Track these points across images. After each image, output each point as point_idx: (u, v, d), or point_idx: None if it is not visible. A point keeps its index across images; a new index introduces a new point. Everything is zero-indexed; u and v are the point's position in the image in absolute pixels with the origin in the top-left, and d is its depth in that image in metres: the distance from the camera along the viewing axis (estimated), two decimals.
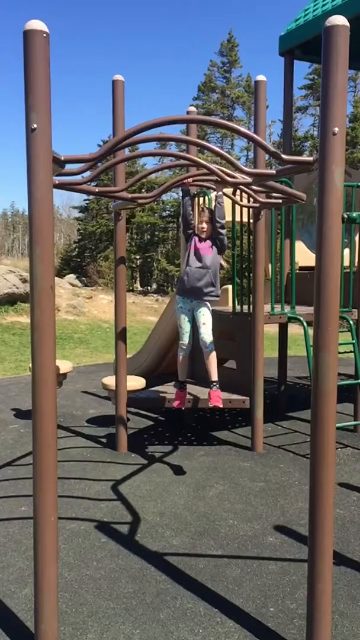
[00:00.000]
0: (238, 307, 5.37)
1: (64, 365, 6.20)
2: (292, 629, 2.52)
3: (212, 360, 4.47)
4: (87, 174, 2.77)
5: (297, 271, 6.06)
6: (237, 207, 5.21)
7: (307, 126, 38.19)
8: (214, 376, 4.49)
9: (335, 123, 2.09)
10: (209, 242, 4.30)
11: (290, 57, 6.66)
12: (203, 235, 4.30)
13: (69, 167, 2.54)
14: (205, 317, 4.42)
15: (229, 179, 3.24)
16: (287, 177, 4.53)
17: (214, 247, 4.29)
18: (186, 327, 4.53)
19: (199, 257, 4.29)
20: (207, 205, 5.50)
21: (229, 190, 4.61)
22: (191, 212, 4.43)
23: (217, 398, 4.49)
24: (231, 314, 5.38)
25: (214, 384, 4.49)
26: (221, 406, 4.57)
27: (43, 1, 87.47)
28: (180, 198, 4.47)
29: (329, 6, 5.94)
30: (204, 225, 4.28)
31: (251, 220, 5.12)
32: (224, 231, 4.30)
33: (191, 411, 6.04)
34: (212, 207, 4.29)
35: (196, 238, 4.36)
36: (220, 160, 2.84)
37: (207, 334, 4.42)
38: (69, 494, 4.08)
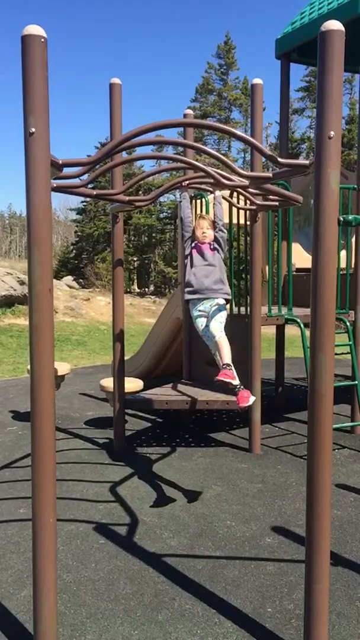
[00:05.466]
0: (235, 309, 5.38)
1: (62, 367, 6.21)
2: (290, 629, 2.53)
3: (223, 344, 3.99)
4: (85, 176, 2.79)
5: (294, 273, 6.08)
6: (234, 209, 5.23)
7: (304, 128, 38.14)
8: (227, 359, 3.94)
9: (331, 127, 2.10)
10: (210, 244, 4.23)
11: (286, 60, 6.68)
12: (205, 240, 4.22)
13: (66, 171, 2.56)
14: (218, 315, 4.07)
15: (225, 181, 3.25)
16: (283, 179, 4.55)
17: (216, 246, 4.23)
18: (208, 332, 4.15)
19: (203, 256, 4.16)
20: (204, 210, 5.52)
21: (226, 193, 4.63)
22: (190, 215, 4.37)
23: (244, 398, 3.94)
24: (228, 316, 5.39)
25: (225, 366, 3.92)
26: (247, 404, 3.97)
27: (41, 3, 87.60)
28: (178, 201, 4.44)
29: (325, 9, 5.96)
30: (206, 231, 4.18)
31: (248, 223, 5.14)
32: (225, 230, 4.24)
33: (189, 412, 6.06)
34: (212, 208, 4.26)
35: (197, 241, 4.28)
36: (218, 162, 2.86)
37: (214, 326, 4.04)
38: (68, 495, 4.08)
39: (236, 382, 3.91)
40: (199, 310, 4.18)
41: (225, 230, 4.23)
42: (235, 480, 4.41)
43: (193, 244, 4.20)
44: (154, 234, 36.80)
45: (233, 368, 3.95)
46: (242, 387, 4.06)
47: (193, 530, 3.53)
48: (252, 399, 3.98)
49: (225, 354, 4.01)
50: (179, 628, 2.54)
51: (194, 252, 4.18)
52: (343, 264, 5.66)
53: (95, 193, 3.79)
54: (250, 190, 3.52)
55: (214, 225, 4.17)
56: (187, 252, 4.21)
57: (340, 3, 5.76)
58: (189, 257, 4.19)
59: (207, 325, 4.12)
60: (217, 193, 4.15)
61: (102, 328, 15.82)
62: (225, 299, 4.18)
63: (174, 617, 2.62)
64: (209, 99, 39.56)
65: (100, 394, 7.13)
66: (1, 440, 5.50)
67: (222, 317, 4.11)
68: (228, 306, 4.49)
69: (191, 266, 4.17)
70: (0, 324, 14.27)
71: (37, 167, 2.12)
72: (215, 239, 4.18)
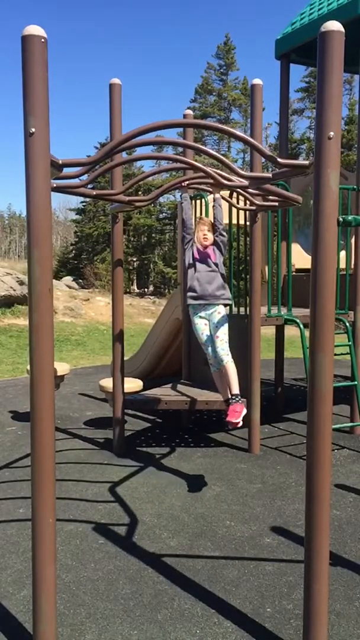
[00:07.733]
0: (235, 309, 5.38)
1: (61, 368, 6.21)
2: (289, 629, 2.53)
3: (231, 371, 4.10)
4: (85, 177, 2.79)
5: (294, 273, 6.08)
6: (234, 210, 5.23)
7: (304, 128, 38.18)
8: (236, 388, 4.07)
9: (330, 127, 2.10)
10: (211, 247, 4.22)
11: (286, 61, 6.68)
12: (206, 243, 4.21)
13: (66, 171, 2.56)
14: (221, 330, 4.13)
15: (225, 181, 3.26)
16: (283, 180, 4.54)
17: (216, 250, 4.22)
18: (209, 341, 4.21)
19: (205, 260, 4.15)
20: (203, 211, 5.52)
21: (225, 193, 4.63)
22: (191, 216, 4.34)
23: (234, 413, 4.03)
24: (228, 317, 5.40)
25: (234, 398, 4.06)
26: (239, 424, 4.06)
27: (42, 5, 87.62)
28: (179, 202, 4.42)
29: (325, 10, 5.97)
30: (207, 234, 4.15)
31: (248, 223, 5.15)
32: (225, 233, 4.24)
33: (189, 413, 6.06)
34: (212, 210, 4.25)
35: (197, 244, 4.26)
36: (217, 162, 2.86)
37: (221, 348, 4.11)
38: (67, 495, 4.08)
39: (244, 413, 4.01)
40: (200, 317, 4.22)
41: (225, 234, 4.24)
42: (234, 480, 4.42)
43: (195, 248, 4.19)
44: (153, 235, 36.81)
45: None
46: (236, 399, 4.15)
47: (192, 531, 3.53)
48: (244, 412, 4.07)
49: (234, 382, 4.09)
50: (178, 628, 2.54)
51: (197, 257, 4.18)
52: (342, 265, 5.67)
53: (95, 193, 3.79)
54: (250, 190, 3.52)
55: (214, 228, 4.17)
56: (189, 256, 4.18)
57: (340, 4, 5.76)
58: (191, 262, 4.18)
59: (210, 335, 4.18)
60: (217, 195, 4.14)
61: (101, 328, 15.82)
62: (226, 304, 4.22)
63: (173, 617, 2.63)
64: (209, 99, 39.58)
65: (100, 394, 7.13)
66: (0, 440, 5.50)
67: (225, 332, 4.16)
68: (227, 309, 4.51)
69: (194, 271, 4.17)
70: (0, 324, 14.27)
71: (37, 167, 2.12)
72: (216, 243, 4.18)
